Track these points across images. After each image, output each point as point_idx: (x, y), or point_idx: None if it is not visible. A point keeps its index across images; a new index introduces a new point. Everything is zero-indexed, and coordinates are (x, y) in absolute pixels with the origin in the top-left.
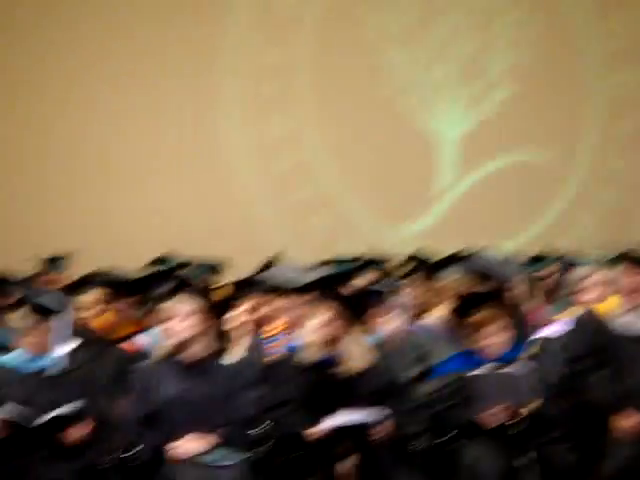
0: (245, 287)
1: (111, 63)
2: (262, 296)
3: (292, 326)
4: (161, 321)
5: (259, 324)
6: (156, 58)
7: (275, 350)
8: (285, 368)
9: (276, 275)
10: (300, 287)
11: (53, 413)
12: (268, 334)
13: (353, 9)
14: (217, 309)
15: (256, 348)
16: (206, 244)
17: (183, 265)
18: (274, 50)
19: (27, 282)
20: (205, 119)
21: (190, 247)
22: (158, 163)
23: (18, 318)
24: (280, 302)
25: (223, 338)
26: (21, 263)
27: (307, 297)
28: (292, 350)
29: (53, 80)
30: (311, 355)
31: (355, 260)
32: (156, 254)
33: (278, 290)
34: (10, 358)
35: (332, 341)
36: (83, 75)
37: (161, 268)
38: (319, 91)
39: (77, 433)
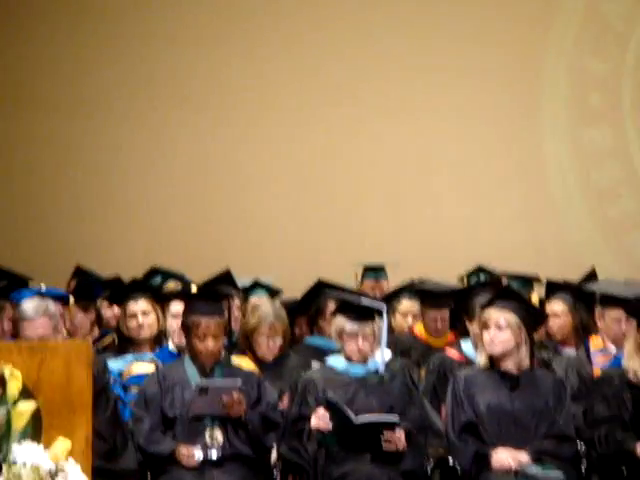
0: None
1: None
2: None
3: (620, 340)
4: (482, 329)
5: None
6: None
7: (601, 364)
8: (611, 383)
9: (606, 286)
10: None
11: (376, 418)
12: (595, 347)
13: None
14: (534, 320)
15: (576, 361)
16: (518, 257)
17: (495, 278)
18: (599, 61)
19: (345, 289)
20: (529, 126)
21: (502, 261)
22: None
23: (336, 324)
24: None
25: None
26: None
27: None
28: (618, 365)
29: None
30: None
31: None
32: (457, 267)
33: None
34: (332, 361)
35: None
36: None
37: (482, 280)
38: None
39: (399, 440)
